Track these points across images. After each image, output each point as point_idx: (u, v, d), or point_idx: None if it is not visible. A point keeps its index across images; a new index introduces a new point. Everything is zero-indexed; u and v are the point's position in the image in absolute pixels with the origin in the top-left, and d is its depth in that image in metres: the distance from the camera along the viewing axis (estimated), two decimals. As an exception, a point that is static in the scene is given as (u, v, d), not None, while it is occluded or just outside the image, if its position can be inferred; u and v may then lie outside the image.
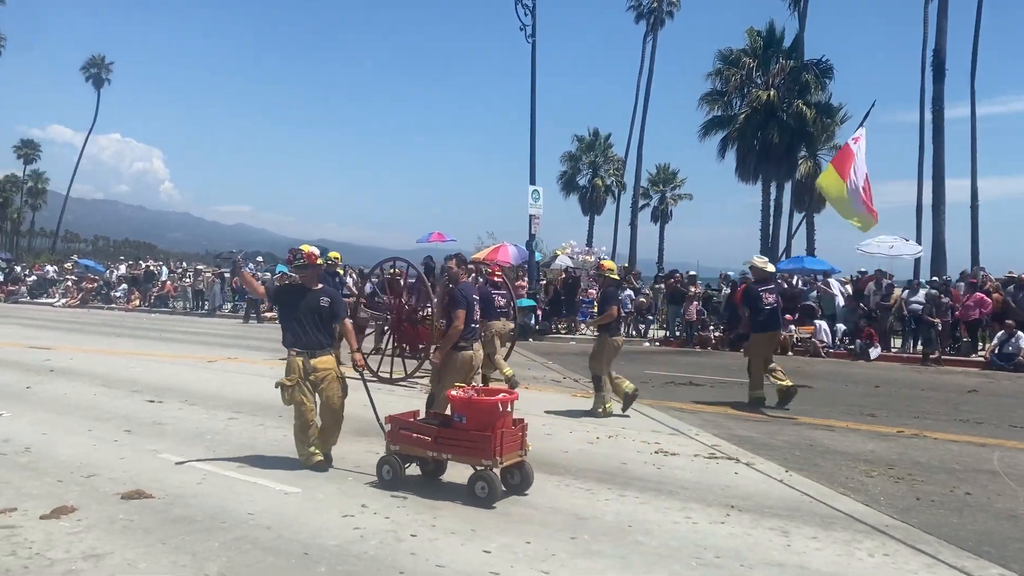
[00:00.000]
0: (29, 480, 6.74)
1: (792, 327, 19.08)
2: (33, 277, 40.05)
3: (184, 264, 41.38)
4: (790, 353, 18.61)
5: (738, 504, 6.45)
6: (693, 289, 21.11)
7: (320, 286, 7.46)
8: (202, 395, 11.14)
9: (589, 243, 38.33)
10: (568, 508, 6.22)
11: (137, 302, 33.23)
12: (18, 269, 42.73)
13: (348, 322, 7.69)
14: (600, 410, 10.36)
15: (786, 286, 20.20)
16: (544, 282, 24.48)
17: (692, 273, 22.70)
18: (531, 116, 23.63)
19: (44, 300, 36.38)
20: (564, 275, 23.81)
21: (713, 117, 38.23)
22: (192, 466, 7.27)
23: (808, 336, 19.20)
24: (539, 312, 22.18)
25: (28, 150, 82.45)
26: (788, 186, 38.55)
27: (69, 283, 36.67)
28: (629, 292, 22.88)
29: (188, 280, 33.39)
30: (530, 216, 23.05)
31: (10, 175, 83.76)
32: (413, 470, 6.88)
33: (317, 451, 7.32)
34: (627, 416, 10.35)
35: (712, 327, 20.63)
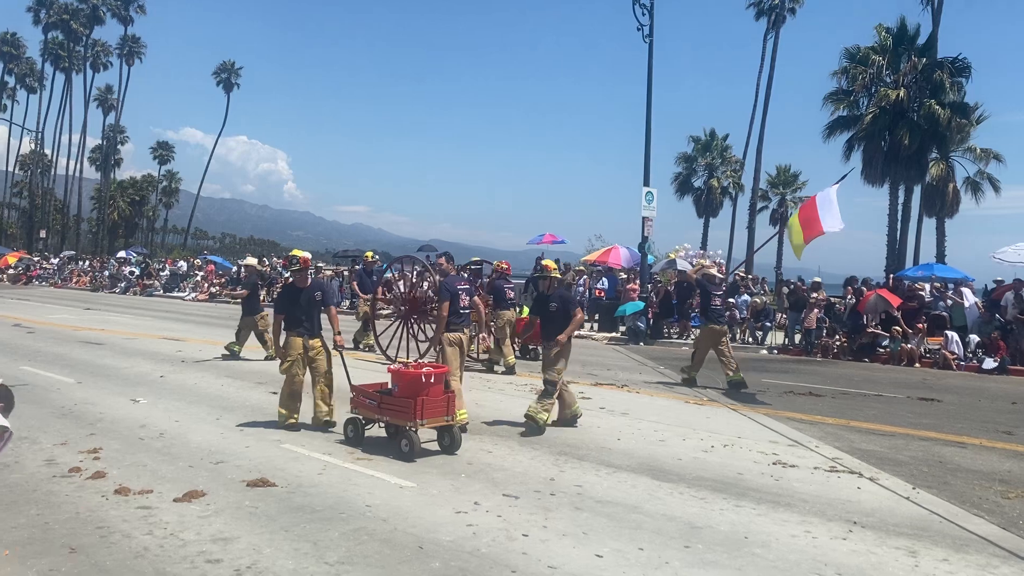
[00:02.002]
0: (163, 464, 7.13)
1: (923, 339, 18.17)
2: (166, 272, 42.37)
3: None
4: (917, 365, 17.71)
5: (861, 520, 6.17)
6: (816, 296, 20.36)
7: (310, 283, 9.15)
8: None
9: (703, 246, 37.71)
10: (681, 516, 6.10)
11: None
12: (153, 264, 45.33)
13: (334, 308, 9.28)
14: (539, 419, 9.03)
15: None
16: (659, 284, 24.14)
17: (817, 280, 21.91)
18: (646, 116, 23.35)
19: (176, 294, 38.41)
20: (677, 278, 23.40)
21: (838, 117, 36.74)
22: (312, 457, 7.52)
23: (937, 347, 18.20)
24: (650, 316, 21.87)
25: (163, 151, 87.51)
26: (917, 190, 36.71)
27: (199, 278, 38.61)
28: (745, 296, 22.30)
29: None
30: (643, 218, 22.77)
31: (147, 175, 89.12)
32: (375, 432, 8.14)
33: (296, 418, 8.91)
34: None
35: (835, 335, 19.83)
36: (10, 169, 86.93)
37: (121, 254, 50.87)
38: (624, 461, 7.76)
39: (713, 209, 50.74)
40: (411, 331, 14.41)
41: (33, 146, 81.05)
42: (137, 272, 42.52)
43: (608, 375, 14.16)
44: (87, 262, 51.12)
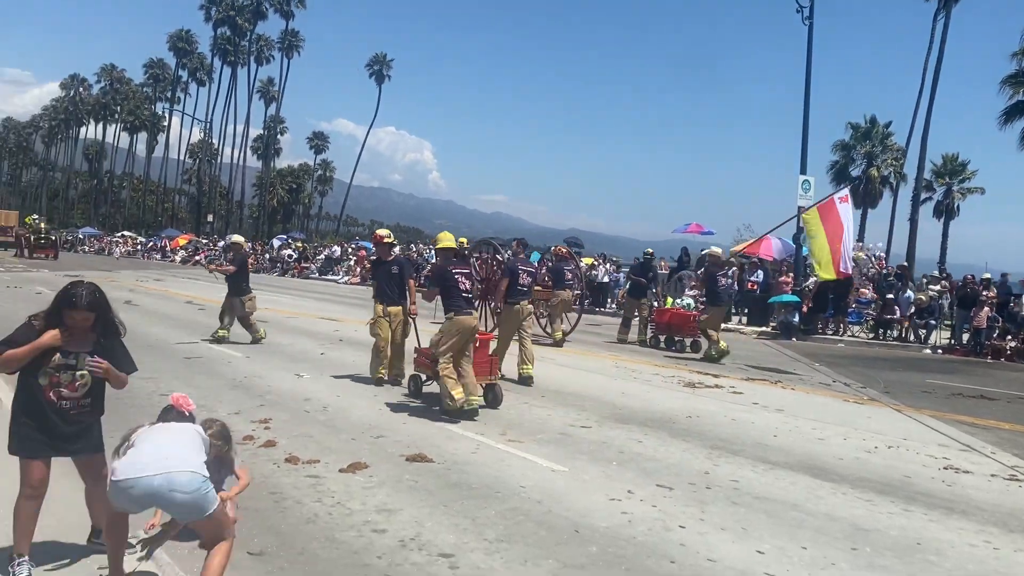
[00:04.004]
0: (328, 436, 7.47)
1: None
2: (322, 256, 44.42)
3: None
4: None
5: (1050, 535, 5.70)
6: (987, 293, 18.98)
7: (392, 257, 10.83)
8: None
9: (860, 238, 35.75)
10: (846, 517, 5.83)
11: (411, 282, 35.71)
12: (309, 249, 47.63)
13: (412, 281, 10.64)
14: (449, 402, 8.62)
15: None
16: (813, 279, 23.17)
17: (987, 276, 20.43)
18: (805, 102, 22.41)
19: (330, 277, 40.19)
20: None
21: (1017, 102, 34.06)
22: (466, 436, 7.69)
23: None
24: (804, 310, 21.01)
25: (318, 142, 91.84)
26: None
27: (351, 262, 40.26)
28: (908, 293, 21.06)
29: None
30: (799, 208, 21.86)
31: (303, 164, 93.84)
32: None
33: (384, 372, 10.38)
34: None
35: (1008, 336, 18.43)
36: (181, 157, 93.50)
37: (278, 240, 53.79)
38: (781, 458, 7.50)
39: (872, 200, 48.20)
40: (490, 307, 15.09)
41: (202, 136, 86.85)
42: (295, 256, 44.80)
43: (760, 371, 13.74)
44: (250, 245, 54.34)
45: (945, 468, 7.48)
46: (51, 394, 4.09)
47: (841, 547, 5.20)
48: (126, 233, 74.18)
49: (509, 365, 11.04)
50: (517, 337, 11.31)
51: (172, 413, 4.18)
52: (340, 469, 6.34)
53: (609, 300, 27.27)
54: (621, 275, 26.83)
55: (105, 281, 23.09)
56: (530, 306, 11.68)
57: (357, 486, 5.96)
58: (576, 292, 16.82)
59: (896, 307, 20.45)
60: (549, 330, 16.17)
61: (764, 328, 21.49)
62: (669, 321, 16.31)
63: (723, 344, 14.58)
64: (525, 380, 10.85)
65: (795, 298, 20.68)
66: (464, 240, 20.29)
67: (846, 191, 16.66)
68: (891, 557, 5.08)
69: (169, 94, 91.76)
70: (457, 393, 8.35)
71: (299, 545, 4.80)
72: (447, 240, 9.57)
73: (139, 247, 63.44)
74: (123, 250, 62.29)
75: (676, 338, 16.11)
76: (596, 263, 28.61)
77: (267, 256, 47.27)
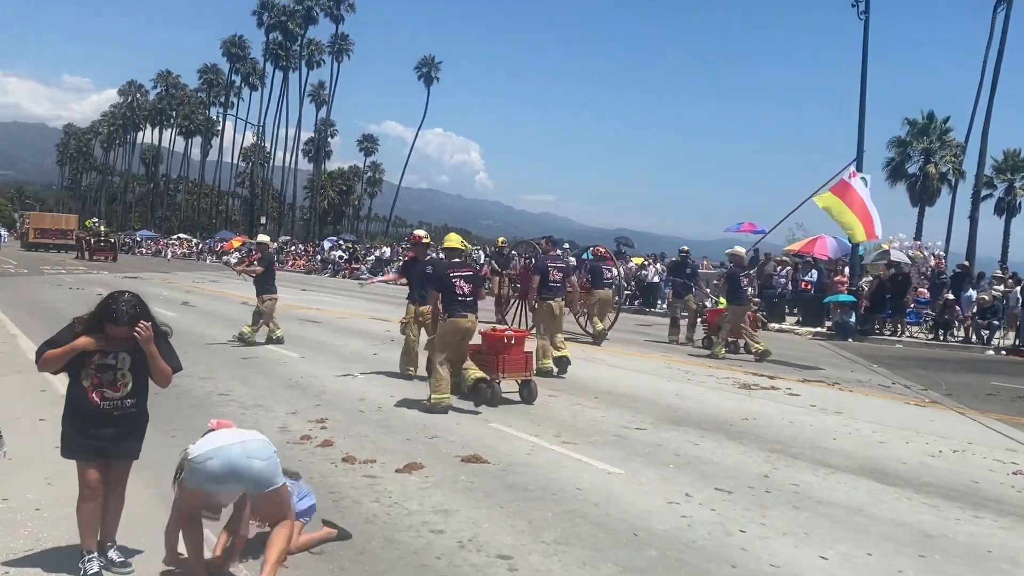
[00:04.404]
0: (383, 436, 7.52)
1: None
2: (372, 257, 44.84)
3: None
4: None
5: None
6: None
7: (427, 258, 10.94)
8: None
9: (918, 236, 34.98)
10: (912, 523, 5.68)
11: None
12: (360, 249, 48.14)
13: None
14: (427, 401, 8.86)
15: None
16: (869, 278, 22.69)
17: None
18: (860, 97, 21.91)
19: (380, 278, 40.49)
20: (892, 270, 21.84)
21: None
22: (520, 437, 7.66)
23: None
24: (861, 310, 20.55)
25: (368, 144, 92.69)
26: None
27: (401, 263, 40.52)
28: (971, 292, 20.47)
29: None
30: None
31: (353, 166, 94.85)
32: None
33: (412, 370, 10.62)
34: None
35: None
36: (234, 161, 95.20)
37: (328, 241, 54.50)
38: (842, 462, 7.34)
39: (929, 197, 46.98)
40: (527, 306, 15.81)
41: (254, 139, 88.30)
42: (345, 257, 45.30)
43: (816, 372, 13.48)
44: (301, 247, 55.19)
45: (1015, 473, 7.25)
46: (94, 395, 4.12)
47: (908, 554, 5.06)
48: (181, 235, 75.84)
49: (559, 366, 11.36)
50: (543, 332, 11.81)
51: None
52: (396, 469, 6.36)
53: (659, 301, 27.04)
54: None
55: (163, 283, 23.63)
56: (562, 302, 12.09)
57: (414, 486, 5.98)
58: (613, 291, 17.20)
59: (957, 307, 19.91)
60: (589, 328, 16.33)
61: (819, 328, 21.08)
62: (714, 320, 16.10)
63: (721, 350, 14.89)
64: (544, 372, 11.28)
65: (851, 298, 20.23)
66: (502, 240, 21.28)
67: (852, 167, 16.81)
68: (961, 565, 4.94)
69: (223, 99, 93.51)
70: (437, 395, 8.66)
71: (359, 545, 4.82)
72: (452, 241, 9.72)
73: (193, 249, 64.82)
74: (179, 252, 63.70)
75: (730, 339, 15.88)
76: (646, 263, 28.39)
77: (318, 257, 47.90)
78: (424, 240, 11.31)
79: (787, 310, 23.50)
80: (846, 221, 15.13)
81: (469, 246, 16.92)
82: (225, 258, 38.45)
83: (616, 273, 18.23)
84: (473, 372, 8.99)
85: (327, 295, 27.31)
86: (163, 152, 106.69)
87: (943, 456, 7.81)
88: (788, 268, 24.45)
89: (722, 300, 17.15)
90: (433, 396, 8.68)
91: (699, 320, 17.07)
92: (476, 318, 9.03)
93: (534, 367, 10.10)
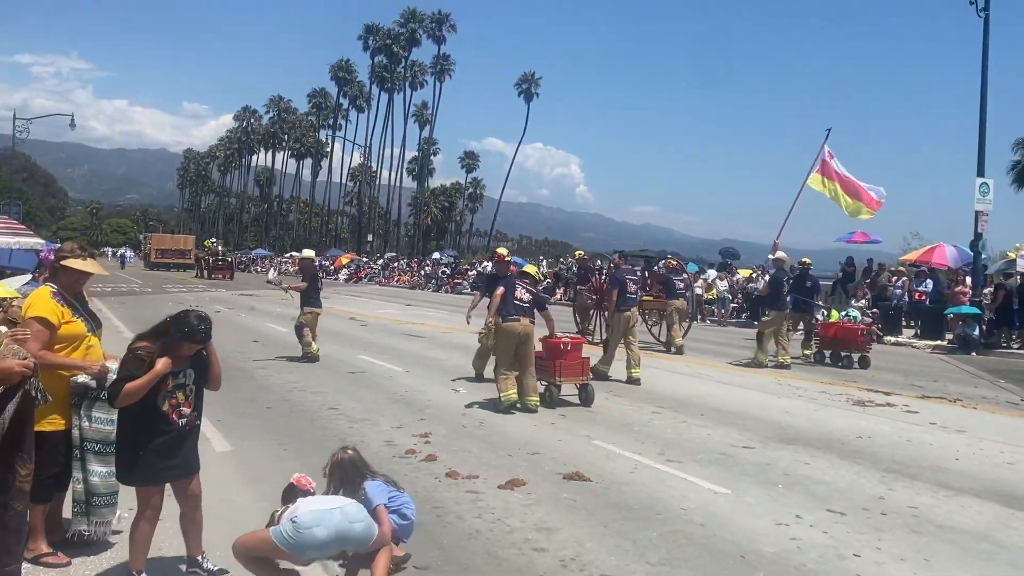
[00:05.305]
0: (486, 451, 7.57)
1: None
2: (474, 272, 45.36)
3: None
4: None
5: None
6: None
7: (510, 274, 10.99)
8: (624, 387, 11.60)
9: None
10: (1046, 552, 5.32)
11: (558, 296, 35.95)
12: (463, 265, 48.81)
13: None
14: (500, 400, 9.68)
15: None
16: (992, 288, 21.47)
17: None
18: (981, 99, 20.80)
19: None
20: (1021, 280, 20.61)
21: None
22: (623, 455, 7.57)
23: None
24: (984, 323, 19.45)
25: (469, 160, 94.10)
26: None
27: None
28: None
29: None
30: (976, 212, 20.33)
31: (455, 183, 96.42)
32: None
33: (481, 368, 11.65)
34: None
35: None
36: (343, 180, 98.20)
37: (435, 255, 55.48)
38: (965, 483, 6.95)
39: (1058, 202, 44.27)
40: (603, 316, 15.89)
41: (361, 160, 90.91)
42: (448, 272, 46.02)
43: (936, 387, 12.82)
44: (406, 262, 56.41)
45: None
46: (174, 416, 4.25)
47: (1042, 586, 4.75)
48: (294, 254, 78.61)
49: (618, 369, 12.36)
50: (624, 342, 12.27)
51: (296, 491, 4.30)
52: (499, 485, 6.39)
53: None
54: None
55: (277, 300, 24.51)
56: (637, 313, 12.95)
57: (516, 503, 5.99)
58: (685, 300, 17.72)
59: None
60: (663, 338, 17.18)
61: (939, 342, 20.05)
62: (835, 336, 15.51)
63: (786, 357, 14.70)
64: (634, 382, 11.83)
65: (975, 309, 19.15)
66: (579, 253, 22.97)
67: (826, 147, 17.94)
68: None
69: (331, 121, 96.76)
70: (506, 394, 9.46)
71: (462, 560, 4.87)
72: (529, 269, 10.94)
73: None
74: (291, 269, 66.01)
75: (843, 353, 15.30)
76: (755, 275, 27.61)
77: (423, 272, 48.84)
78: (507, 258, 12.47)
79: (904, 322, 22.48)
80: (843, 202, 16.28)
81: (542, 276, 17.72)
82: (270, 277, 39.56)
83: (687, 283, 18.95)
84: (510, 394, 9.52)
85: (430, 309, 27.76)
86: (276, 174, 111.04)
87: (1080, 479, 7.29)
88: (904, 279, 23.40)
89: (835, 313, 16.54)
90: (502, 396, 9.49)
91: (813, 335, 16.41)
92: (531, 322, 9.73)
93: (589, 372, 10.51)
